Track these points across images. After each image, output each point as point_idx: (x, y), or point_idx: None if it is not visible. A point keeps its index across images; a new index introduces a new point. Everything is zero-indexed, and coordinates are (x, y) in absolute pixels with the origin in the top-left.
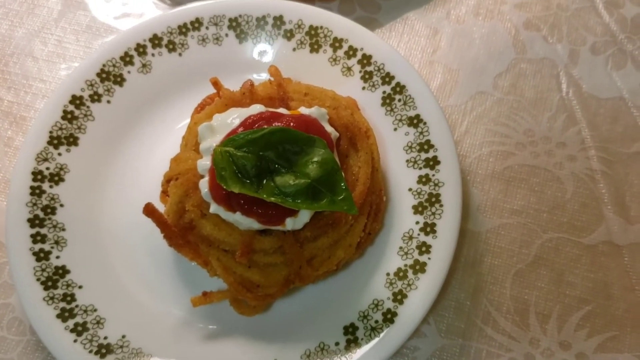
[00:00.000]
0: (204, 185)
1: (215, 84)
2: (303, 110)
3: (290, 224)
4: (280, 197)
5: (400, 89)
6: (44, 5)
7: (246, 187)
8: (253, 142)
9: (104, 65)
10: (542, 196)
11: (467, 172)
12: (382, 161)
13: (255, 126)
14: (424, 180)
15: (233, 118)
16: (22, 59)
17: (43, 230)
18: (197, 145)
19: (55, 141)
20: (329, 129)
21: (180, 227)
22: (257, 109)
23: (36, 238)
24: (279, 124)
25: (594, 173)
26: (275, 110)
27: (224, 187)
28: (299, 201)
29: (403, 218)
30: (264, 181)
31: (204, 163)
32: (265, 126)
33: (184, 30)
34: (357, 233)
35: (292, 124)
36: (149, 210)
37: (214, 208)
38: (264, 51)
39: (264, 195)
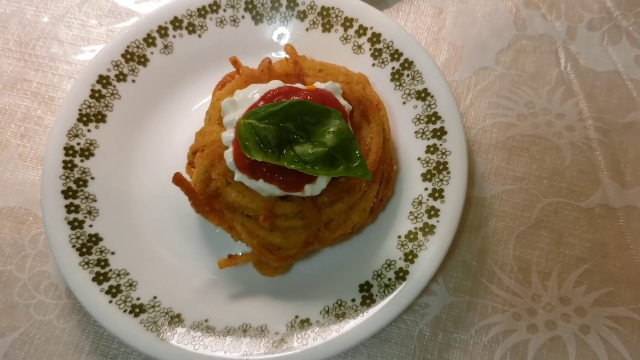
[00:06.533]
0: (228, 155)
1: (235, 62)
2: (318, 85)
3: (308, 190)
4: (300, 165)
5: (408, 64)
6: None
7: (268, 156)
8: (274, 114)
9: (128, 47)
10: (543, 164)
11: (472, 142)
12: (392, 133)
13: (274, 100)
14: (432, 149)
15: (253, 93)
16: (48, 43)
17: (76, 201)
18: (221, 119)
19: (84, 118)
20: (342, 102)
21: (207, 195)
22: (275, 84)
23: (70, 208)
24: (297, 97)
25: (591, 142)
26: (293, 85)
27: (248, 156)
28: (317, 168)
29: (413, 185)
30: (285, 150)
31: (228, 135)
32: (284, 100)
33: (202, 12)
34: (370, 199)
35: (309, 97)
36: (178, 179)
37: (238, 176)
38: (279, 31)
39: (285, 163)
